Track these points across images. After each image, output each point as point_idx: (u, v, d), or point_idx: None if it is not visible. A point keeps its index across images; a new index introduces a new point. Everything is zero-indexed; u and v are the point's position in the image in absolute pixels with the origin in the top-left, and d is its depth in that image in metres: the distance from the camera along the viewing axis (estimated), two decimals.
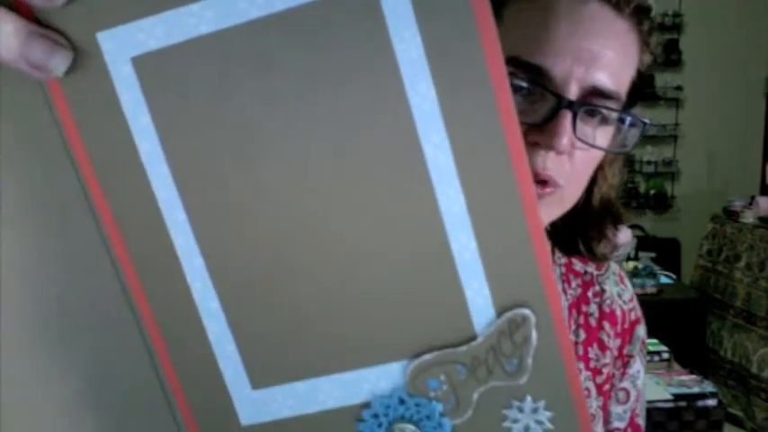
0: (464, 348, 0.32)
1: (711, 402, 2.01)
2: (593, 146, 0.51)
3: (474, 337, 0.32)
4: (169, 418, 0.36)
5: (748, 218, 3.39)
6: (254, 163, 0.31)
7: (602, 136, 0.52)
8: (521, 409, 0.33)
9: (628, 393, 0.66)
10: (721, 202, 3.78)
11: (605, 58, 0.49)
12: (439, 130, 0.29)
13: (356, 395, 0.34)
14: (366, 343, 0.33)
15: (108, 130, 0.31)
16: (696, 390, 2.04)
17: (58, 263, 0.34)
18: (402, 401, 0.33)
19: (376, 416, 0.34)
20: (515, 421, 0.33)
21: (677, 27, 4.29)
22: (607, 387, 0.65)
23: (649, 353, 2.20)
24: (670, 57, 4.30)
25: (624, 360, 0.67)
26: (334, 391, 0.34)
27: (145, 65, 0.30)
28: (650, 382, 2.05)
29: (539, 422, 0.33)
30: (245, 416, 0.35)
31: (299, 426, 0.35)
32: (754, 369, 3.05)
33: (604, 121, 0.51)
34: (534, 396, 0.33)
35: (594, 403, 0.64)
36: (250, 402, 0.35)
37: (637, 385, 0.67)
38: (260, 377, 0.34)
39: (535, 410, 0.33)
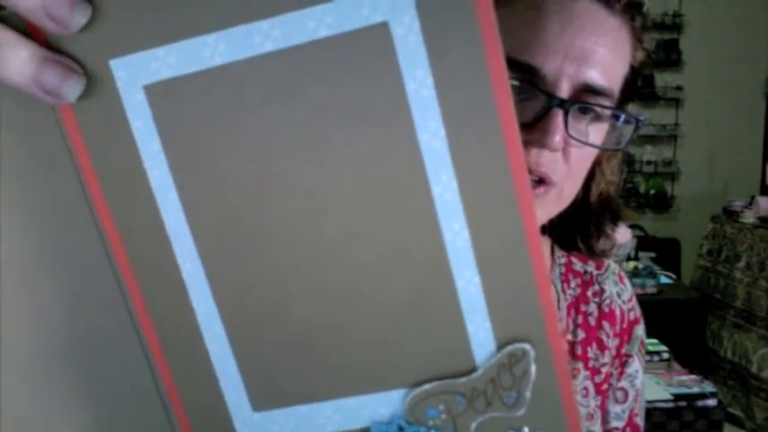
0: (464, 379, 0.33)
1: (711, 402, 2.01)
2: (586, 143, 0.51)
3: (474, 369, 0.32)
4: None
5: (748, 218, 3.39)
6: (262, 192, 0.31)
7: (596, 133, 0.52)
8: None
9: (626, 393, 0.66)
10: (721, 202, 3.78)
11: (596, 55, 0.49)
12: (447, 167, 0.30)
13: (356, 421, 0.34)
14: (367, 370, 0.33)
15: (118, 156, 0.31)
16: (696, 390, 2.04)
17: (65, 284, 0.34)
18: (401, 429, 0.34)
19: None
20: None
21: (677, 27, 4.29)
22: (605, 386, 0.65)
23: (649, 353, 2.20)
24: (670, 57, 4.30)
25: (622, 360, 0.67)
26: (334, 416, 0.34)
27: (157, 93, 0.30)
28: (650, 382, 2.05)
29: None
30: None
31: None
32: (754, 369, 3.05)
33: (597, 118, 0.51)
34: (531, 428, 0.33)
35: (593, 402, 0.64)
36: (251, 425, 0.35)
37: (635, 385, 0.67)
38: (261, 400, 0.35)
39: None
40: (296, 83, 0.29)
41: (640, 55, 0.54)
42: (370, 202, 0.31)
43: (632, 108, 0.56)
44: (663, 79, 4.35)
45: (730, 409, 2.94)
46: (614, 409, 0.66)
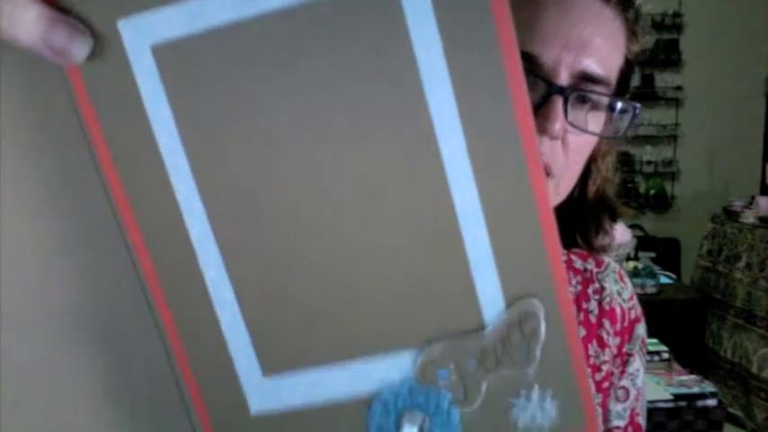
0: (473, 338, 0.33)
1: (711, 402, 2.01)
2: (585, 131, 0.52)
3: (483, 328, 0.32)
4: (181, 409, 0.36)
5: (748, 218, 3.39)
6: (272, 155, 0.31)
7: (594, 122, 0.53)
8: (528, 399, 0.33)
9: (627, 392, 0.66)
10: (721, 202, 3.78)
11: (594, 44, 0.50)
12: (456, 129, 0.30)
13: (366, 384, 0.34)
14: (377, 332, 0.34)
15: (126, 117, 0.32)
16: (696, 390, 2.04)
17: (76, 255, 0.35)
18: (411, 391, 0.34)
19: (385, 404, 0.34)
20: (523, 410, 0.34)
21: (677, 27, 4.29)
22: (606, 384, 0.65)
23: (649, 353, 2.20)
24: (670, 57, 4.30)
25: (623, 358, 0.67)
26: (345, 380, 0.34)
27: (164, 54, 0.30)
28: (650, 382, 2.05)
29: (545, 411, 0.33)
30: (256, 403, 0.35)
31: (309, 414, 0.35)
32: (754, 369, 3.05)
33: (595, 106, 0.52)
34: (541, 386, 0.33)
35: (594, 400, 0.64)
36: (260, 390, 0.35)
37: (636, 384, 0.67)
38: (271, 365, 0.35)
39: (542, 400, 0.33)
40: (303, 44, 0.29)
41: (635, 47, 0.55)
42: (380, 164, 0.31)
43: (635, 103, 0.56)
44: (663, 79, 4.35)
45: (730, 409, 2.94)
46: (615, 407, 0.66)
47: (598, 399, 0.65)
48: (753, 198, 3.53)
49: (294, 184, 0.32)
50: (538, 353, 0.32)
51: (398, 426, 0.34)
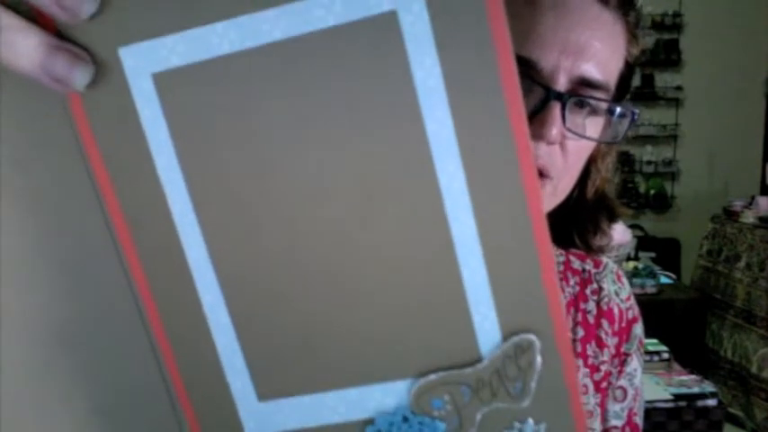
0: (469, 370, 0.33)
1: (711, 402, 2.01)
2: (583, 136, 0.51)
3: (480, 360, 0.32)
4: (175, 427, 0.36)
5: (748, 218, 3.39)
6: (269, 181, 0.31)
7: (593, 126, 0.53)
8: (522, 431, 0.33)
9: (625, 391, 0.66)
10: (721, 202, 3.78)
11: (592, 48, 0.50)
12: (454, 157, 0.30)
13: (361, 411, 0.34)
14: (373, 360, 0.33)
15: (126, 143, 0.32)
16: (696, 390, 2.04)
17: (71, 273, 0.35)
18: (406, 419, 0.34)
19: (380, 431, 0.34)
20: None
21: (677, 27, 4.29)
22: (604, 384, 0.65)
23: (649, 353, 2.20)
24: (670, 57, 4.30)
25: (621, 358, 0.67)
26: (340, 407, 0.34)
27: (165, 81, 0.30)
28: (650, 382, 2.05)
29: None
30: (251, 427, 0.35)
31: None
32: (754, 369, 3.05)
33: (594, 111, 0.52)
34: (536, 419, 0.33)
35: (592, 400, 0.64)
36: (255, 414, 0.35)
37: (634, 384, 0.67)
38: (266, 389, 0.35)
39: None
40: (303, 72, 0.30)
41: (635, 50, 0.55)
42: (377, 193, 0.31)
43: (634, 107, 0.56)
44: (663, 79, 4.35)
45: (730, 409, 2.94)
46: (613, 407, 0.66)
47: (597, 398, 0.65)
48: (753, 198, 3.53)
49: (291, 211, 0.32)
50: (533, 386, 0.32)
51: None
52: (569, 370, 0.32)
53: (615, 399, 0.66)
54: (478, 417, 0.33)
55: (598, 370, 0.65)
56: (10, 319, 0.35)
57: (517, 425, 0.33)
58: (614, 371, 0.66)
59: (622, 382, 0.66)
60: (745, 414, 3.06)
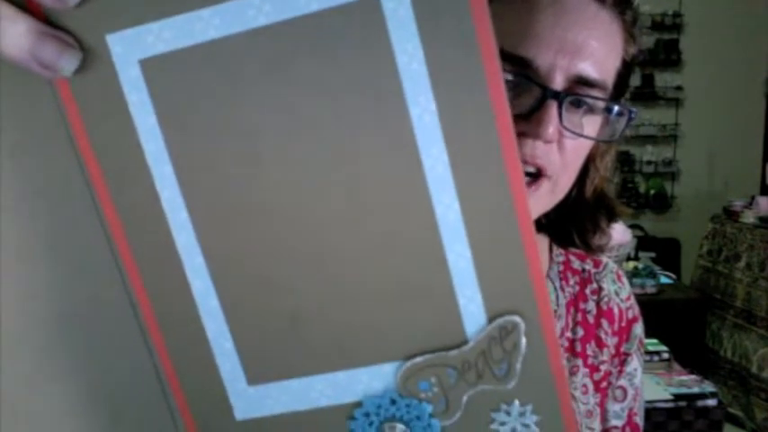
0: (455, 352, 0.33)
1: (711, 402, 2.01)
2: (580, 135, 0.51)
3: (465, 342, 0.33)
4: (166, 412, 0.37)
5: (748, 218, 3.39)
6: (256, 165, 0.31)
7: (590, 125, 0.53)
8: (508, 413, 0.34)
9: (625, 391, 0.66)
10: (721, 202, 3.78)
11: (589, 47, 0.50)
12: (438, 142, 0.30)
13: (349, 394, 0.35)
14: (360, 344, 0.34)
15: (114, 129, 0.32)
16: (696, 390, 2.04)
17: (62, 259, 0.35)
18: (393, 402, 0.34)
19: (367, 415, 0.34)
20: (503, 424, 0.34)
21: (677, 27, 4.29)
22: (604, 384, 0.65)
23: (649, 353, 2.19)
24: (670, 57, 4.30)
25: (621, 358, 0.67)
26: (328, 390, 0.35)
27: (152, 67, 0.31)
28: (650, 382, 2.05)
29: (525, 425, 0.34)
30: (240, 410, 0.36)
31: (292, 422, 0.35)
32: (754, 369, 3.05)
33: (591, 110, 0.52)
34: (522, 400, 0.34)
35: (592, 400, 0.64)
36: (245, 398, 0.36)
37: (634, 383, 0.67)
38: (256, 374, 0.35)
39: (522, 414, 0.34)
40: (288, 57, 0.30)
41: (632, 49, 0.54)
42: (362, 177, 0.31)
43: (629, 105, 0.56)
44: (663, 79, 4.35)
45: (730, 409, 2.94)
46: (613, 407, 0.66)
47: (596, 398, 0.65)
48: (753, 198, 3.53)
49: (278, 196, 0.32)
50: (518, 368, 0.33)
51: None
52: (554, 352, 0.32)
53: (615, 399, 0.66)
54: (465, 399, 0.34)
55: (598, 370, 0.65)
56: (10, 305, 0.35)
57: (504, 407, 0.33)
58: (614, 371, 0.66)
59: (622, 381, 0.66)
60: (745, 414, 3.05)
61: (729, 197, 3.81)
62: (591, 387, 0.64)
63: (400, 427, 0.34)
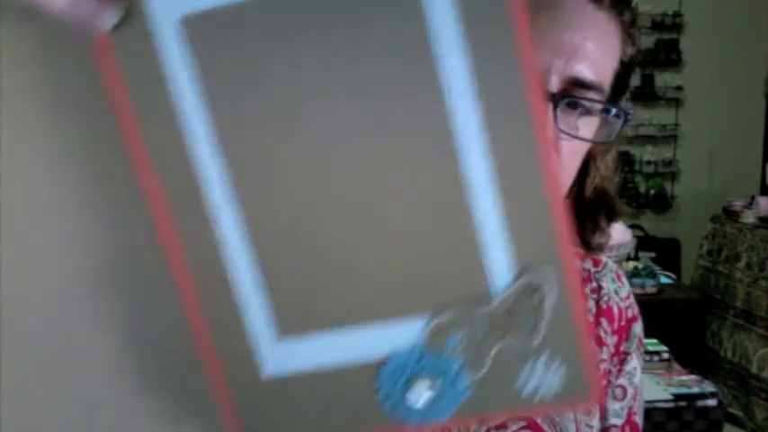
0: (483, 308, 0.33)
1: (711, 402, 2.01)
2: (575, 137, 0.51)
3: (492, 298, 0.33)
4: (196, 362, 0.37)
5: (748, 218, 3.38)
6: (293, 122, 0.32)
7: (586, 126, 0.52)
8: (534, 367, 0.34)
9: (624, 390, 0.66)
10: (721, 202, 3.77)
11: (586, 49, 0.50)
12: (468, 96, 0.31)
13: (377, 350, 0.35)
14: (389, 299, 0.34)
15: (152, 86, 0.32)
16: (696, 390, 2.04)
17: (98, 210, 0.36)
18: (421, 357, 0.34)
19: (395, 370, 0.35)
20: (528, 378, 0.34)
21: (677, 27, 4.29)
22: (604, 383, 0.65)
23: (649, 353, 2.19)
24: (670, 57, 4.30)
25: (621, 357, 0.67)
26: (356, 346, 0.35)
27: (192, 24, 0.31)
28: (650, 382, 2.04)
29: (550, 380, 0.34)
30: (269, 367, 0.36)
31: (320, 378, 0.36)
32: (754, 369, 3.04)
33: (587, 112, 0.52)
34: (547, 355, 0.34)
35: (598, 370, 0.64)
36: (275, 353, 0.36)
37: (634, 382, 0.67)
38: (285, 330, 0.36)
39: (547, 369, 0.34)
40: (323, 17, 0.31)
41: (630, 50, 0.54)
42: (392, 132, 0.32)
43: (630, 107, 0.56)
44: (663, 79, 4.34)
45: (730, 409, 2.94)
46: (613, 406, 0.66)
47: None
48: (753, 198, 3.53)
49: (314, 148, 0.32)
50: (544, 323, 0.33)
51: (407, 391, 0.34)
52: (578, 307, 0.33)
53: (615, 397, 0.66)
54: (491, 354, 0.34)
55: (597, 367, 0.65)
56: (38, 255, 0.36)
57: (529, 362, 0.34)
58: (614, 369, 0.66)
59: (622, 380, 0.66)
60: (745, 414, 3.05)
61: (729, 197, 3.81)
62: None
63: (428, 381, 0.34)
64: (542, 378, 0.34)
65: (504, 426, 0.59)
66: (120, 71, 0.32)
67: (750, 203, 3.49)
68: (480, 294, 0.33)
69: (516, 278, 0.33)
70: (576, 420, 0.62)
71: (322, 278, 0.34)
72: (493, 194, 0.32)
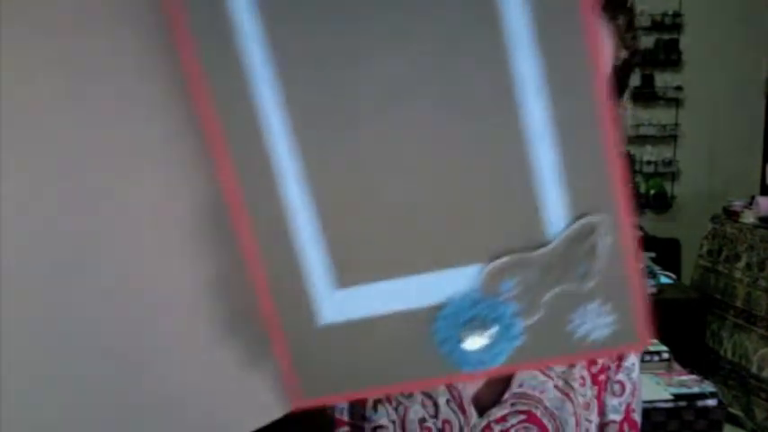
0: (538, 252, 0.34)
1: (711, 402, 2.01)
2: None
3: (548, 242, 0.34)
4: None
5: (748, 218, 3.38)
6: (355, 79, 0.33)
7: None
8: (585, 313, 0.34)
9: (623, 386, 0.66)
10: (721, 202, 3.77)
11: None
12: (528, 47, 0.31)
13: (433, 296, 0.35)
14: (446, 245, 0.35)
15: (224, 52, 0.33)
16: (696, 390, 2.04)
17: (186, 169, 0.37)
18: (476, 302, 0.35)
19: (451, 316, 0.35)
20: (580, 323, 0.35)
21: (677, 27, 4.29)
22: (602, 377, 0.66)
23: (649, 353, 2.19)
24: (670, 57, 4.30)
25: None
26: (413, 292, 0.35)
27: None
28: (650, 382, 2.04)
29: (601, 325, 0.35)
30: (326, 314, 0.36)
31: (377, 325, 0.36)
32: (754, 369, 3.04)
33: None
34: (599, 300, 0.34)
35: (590, 392, 0.64)
36: (332, 301, 0.36)
37: (632, 378, 0.67)
38: (343, 277, 0.36)
39: (599, 314, 0.35)
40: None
41: (623, 54, 0.54)
42: (453, 82, 0.32)
43: (632, 108, 0.55)
44: (663, 79, 4.34)
45: (730, 409, 2.93)
46: (611, 402, 0.66)
47: (594, 390, 0.65)
48: (753, 198, 3.53)
49: (378, 101, 0.33)
50: (597, 268, 0.33)
51: (463, 336, 0.35)
52: (631, 253, 0.33)
53: (614, 393, 0.66)
54: (545, 299, 0.34)
55: (595, 363, 0.65)
56: (179, 197, 0.37)
57: (581, 307, 0.34)
58: (612, 365, 0.66)
59: (620, 376, 0.66)
60: (745, 414, 3.05)
61: (729, 197, 3.81)
62: (588, 380, 0.64)
63: (483, 326, 0.34)
64: (594, 323, 0.34)
65: (504, 419, 0.58)
66: (192, 40, 0.32)
67: (750, 203, 3.49)
68: (536, 240, 0.34)
69: (572, 222, 0.33)
70: (575, 414, 0.62)
71: (379, 230, 0.35)
72: (551, 142, 0.32)
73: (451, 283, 0.35)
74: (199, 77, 0.33)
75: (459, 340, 0.35)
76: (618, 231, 0.33)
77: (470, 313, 0.35)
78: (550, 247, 0.33)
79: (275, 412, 0.39)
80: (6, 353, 0.34)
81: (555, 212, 0.33)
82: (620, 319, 0.34)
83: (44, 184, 0.34)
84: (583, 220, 0.33)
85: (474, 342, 0.35)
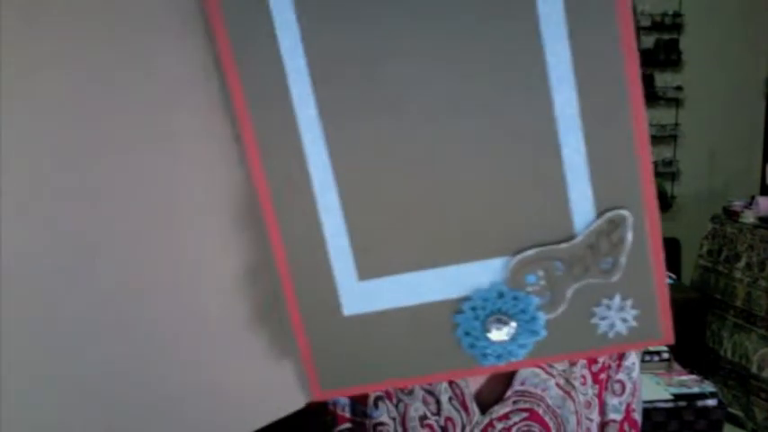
0: (565, 245, 0.34)
1: (711, 402, 2.00)
2: None
3: (574, 236, 0.34)
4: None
5: (748, 218, 3.38)
6: (385, 66, 0.33)
7: None
8: (609, 307, 0.35)
9: (623, 385, 0.66)
10: (721, 202, 3.77)
11: None
12: (562, 39, 0.31)
13: (457, 289, 0.35)
14: (472, 238, 0.35)
15: (260, 43, 0.33)
16: (696, 390, 2.04)
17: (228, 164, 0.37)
18: (501, 295, 0.35)
19: (474, 308, 0.35)
20: (603, 318, 0.35)
21: (677, 27, 4.28)
22: (603, 376, 0.66)
23: (649, 353, 2.19)
24: (670, 57, 4.29)
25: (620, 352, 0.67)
26: (437, 284, 0.35)
27: None
28: (650, 382, 2.04)
29: (624, 320, 0.35)
30: (349, 306, 0.37)
31: (400, 316, 0.36)
32: (754, 369, 3.04)
33: None
34: (623, 295, 0.35)
35: (590, 391, 0.64)
36: (355, 293, 0.36)
37: (632, 377, 0.67)
38: (367, 269, 0.36)
39: (622, 309, 0.35)
40: None
41: None
42: (484, 71, 0.32)
43: None
44: (663, 79, 4.34)
45: (730, 409, 2.93)
46: (612, 401, 0.66)
47: (594, 389, 0.65)
48: (753, 198, 3.52)
49: (405, 94, 0.33)
50: (623, 261, 0.33)
51: (486, 328, 0.34)
52: (656, 248, 0.34)
53: (614, 392, 0.66)
54: (569, 293, 0.34)
55: (596, 362, 0.65)
56: (219, 192, 0.37)
57: (605, 301, 0.34)
58: (613, 364, 0.67)
59: (621, 375, 0.66)
60: (745, 414, 3.05)
61: (729, 197, 3.80)
62: (589, 378, 0.64)
63: (506, 319, 0.34)
64: (617, 318, 0.34)
65: (507, 417, 0.58)
66: (228, 32, 0.33)
67: (750, 203, 3.48)
68: (563, 232, 0.34)
69: (599, 215, 0.33)
70: (576, 413, 0.62)
71: (404, 222, 0.34)
72: (581, 132, 0.32)
73: (476, 275, 0.35)
74: (233, 70, 0.33)
75: (483, 333, 0.35)
76: (644, 227, 0.33)
77: (494, 306, 0.34)
78: (577, 240, 0.33)
79: (296, 403, 0.39)
80: (6, 353, 0.33)
81: (582, 205, 0.33)
82: (643, 313, 0.35)
83: (67, 174, 0.34)
84: (610, 214, 0.33)
85: (497, 335, 0.34)
